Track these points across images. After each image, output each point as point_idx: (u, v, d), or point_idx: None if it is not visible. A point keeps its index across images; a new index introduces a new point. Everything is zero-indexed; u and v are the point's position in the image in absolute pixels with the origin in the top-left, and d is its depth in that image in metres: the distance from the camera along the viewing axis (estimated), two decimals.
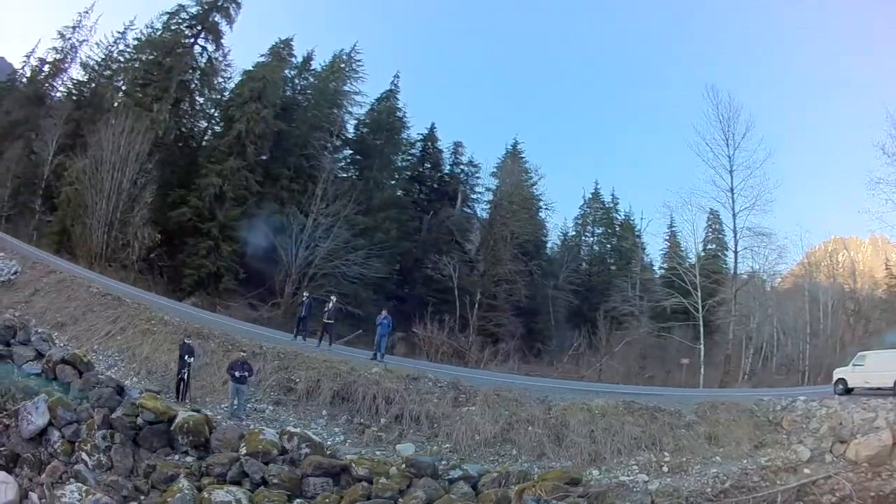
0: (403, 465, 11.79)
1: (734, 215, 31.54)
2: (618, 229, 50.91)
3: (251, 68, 37.90)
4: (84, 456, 10.72)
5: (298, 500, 10.52)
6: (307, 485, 10.85)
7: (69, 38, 43.27)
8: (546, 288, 41.44)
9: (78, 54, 43.33)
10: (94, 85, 41.75)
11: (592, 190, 51.36)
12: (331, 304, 20.20)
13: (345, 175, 39.14)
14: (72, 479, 9.99)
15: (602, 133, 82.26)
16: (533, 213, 42.93)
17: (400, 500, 10.80)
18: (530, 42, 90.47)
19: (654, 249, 49.23)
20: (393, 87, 42.44)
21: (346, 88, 40.67)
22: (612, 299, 39.93)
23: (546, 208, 45.58)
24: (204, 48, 39.58)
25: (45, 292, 21.64)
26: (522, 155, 44.87)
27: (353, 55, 41.37)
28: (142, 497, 10.35)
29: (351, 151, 41.90)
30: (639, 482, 12.78)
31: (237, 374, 14.38)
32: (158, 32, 38.70)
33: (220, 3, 39.40)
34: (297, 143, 36.44)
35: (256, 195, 33.89)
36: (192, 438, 11.46)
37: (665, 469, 13.38)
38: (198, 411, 12.63)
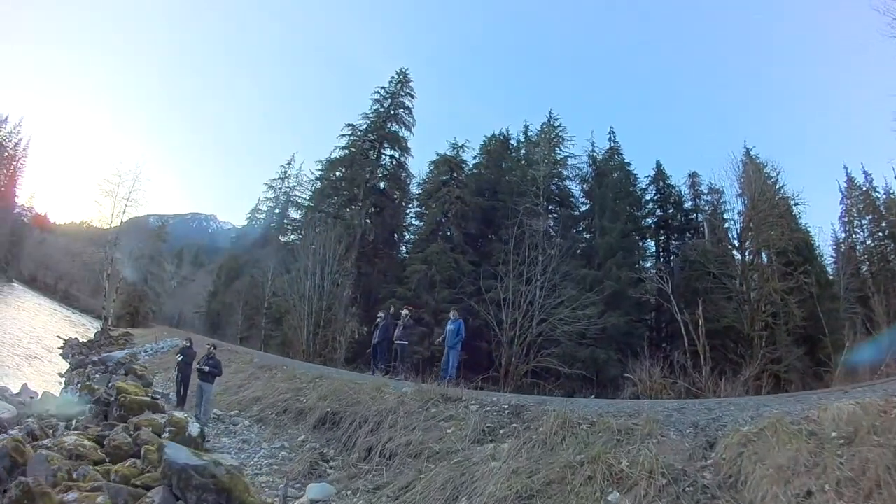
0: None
1: None
2: (883, 209, 39.60)
3: (436, 157, 36.81)
4: (73, 422, 11.49)
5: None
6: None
7: (279, 188, 49.09)
8: (823, 302, 31.51)
9: (290, 198, 50.21)
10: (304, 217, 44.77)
11: (845, 178, 41.65)
12: (403, 320, 15.70)
13: (574, 232, 35.09)
14: None
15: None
16: (788, 217, 33.50)
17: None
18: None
19: None
20: (613, 144, 39.14)
21: (559, 155, 37.49)
22: None
23: (797, 204, 35.12)
24: (392, 156, 39.86)
25: None
26: (758, 158, 36.01)
27: (552, 122, 38.54)
28: None
29: (574, 212, 37.67)
30: None
31: (198, 366, 13.24)
32: (343, 152, 39.53)
33: (392, 113, 39.89)
34: (506, 214, 32.54)
35: (469, 274, 30.61)
36: (122, 413, 11.63)
37: None
38: (156, 400, 12.96)
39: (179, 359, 14.52)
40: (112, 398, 12.22)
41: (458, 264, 30.53)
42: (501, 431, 8.47)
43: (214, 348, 14.24)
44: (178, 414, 11.13)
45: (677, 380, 21.73)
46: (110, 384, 13.77)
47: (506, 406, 9.29)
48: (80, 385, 14.94)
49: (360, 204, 36.23)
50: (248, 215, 54.22)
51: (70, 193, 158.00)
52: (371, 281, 34.57)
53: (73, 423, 11.12)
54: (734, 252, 32.92)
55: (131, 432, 9.61)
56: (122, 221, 49.08)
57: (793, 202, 34.91)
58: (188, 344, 15.13)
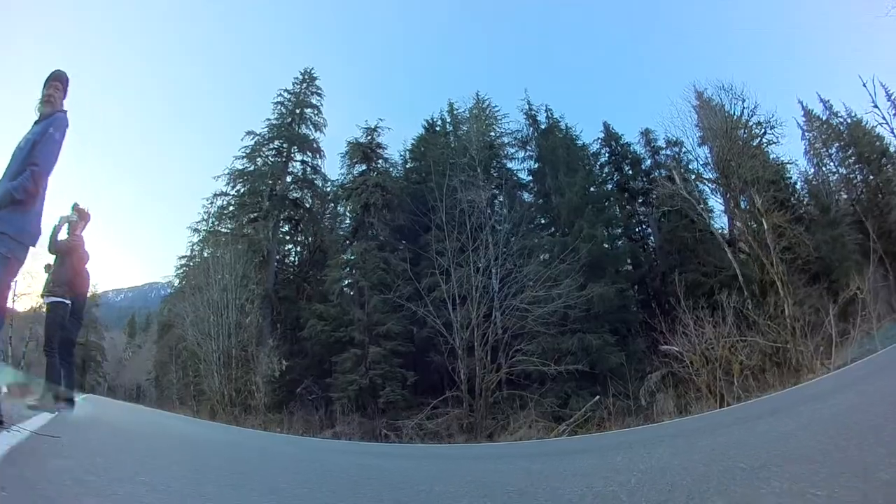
0: None
1: None
2: (844, 132, 33.66)
3: (347, 146, 27.83)
4: None
5: None
6: None
7: (203, 230, 40.97)
8: (823, 230, 26.24)
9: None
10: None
11: (802, 113, 35.31)
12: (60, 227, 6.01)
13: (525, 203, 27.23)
14: None
15: None
16: (759, 147, 26.49)
17: None
18: None
19: None
20: (551, 120, 30.73)
21: (494, 134, 30.36)
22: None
23: (773, 127, 27.68)
24: (303, 161, 32.03)
25: None
26: (709, 97, 28.48)
27: (480, 104, 31.11)
28: None
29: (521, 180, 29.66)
30: None
31: None
32: (245, 163, 31.13)
33: (298, 113, 32.23)
34: (439, 197, 23.06)
35: (403, 274, 22.06)
36: None
37: None
38: None
39: None
40: None
41: (388, 264, 22.22)
42: None
43: None
44: None
45: (738, 337, 14.16)
46: None
47: None
48: None
49: (272, 218, 28.24)
50: (180, 265, 45.41)
51: None
52: (300, 309, 26.23)
53: None
54: (717, 192, 25.95)
55: None
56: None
57: (768, 126, 28.32)
58: None
